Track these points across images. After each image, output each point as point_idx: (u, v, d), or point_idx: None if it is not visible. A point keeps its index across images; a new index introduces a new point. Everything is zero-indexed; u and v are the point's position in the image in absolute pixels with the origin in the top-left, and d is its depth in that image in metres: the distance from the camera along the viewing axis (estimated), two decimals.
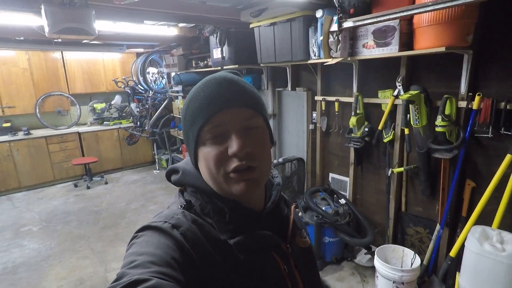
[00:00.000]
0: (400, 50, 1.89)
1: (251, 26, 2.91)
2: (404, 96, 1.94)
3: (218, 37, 3.27)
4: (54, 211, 3.88)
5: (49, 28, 1.69)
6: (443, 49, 1.65)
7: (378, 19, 1.84)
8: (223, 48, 3.30)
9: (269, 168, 0.59)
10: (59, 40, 4.01)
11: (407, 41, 1.90)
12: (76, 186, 4.74)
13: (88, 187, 4.66)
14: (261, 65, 3.08)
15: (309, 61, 2.53)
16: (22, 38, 3.91)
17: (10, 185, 4.47)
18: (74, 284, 2.48)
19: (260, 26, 2.81)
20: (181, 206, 0.56)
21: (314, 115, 2.98)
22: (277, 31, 2.68)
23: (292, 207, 0.67)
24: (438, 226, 2.09)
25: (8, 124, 4.57)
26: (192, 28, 3.76)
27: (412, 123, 2.03)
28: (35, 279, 2.57)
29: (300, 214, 2.55)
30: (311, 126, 3.03)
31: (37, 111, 4.75)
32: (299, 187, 3.14)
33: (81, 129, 5.04)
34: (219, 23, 3.16)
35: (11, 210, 3.99)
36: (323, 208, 2.51)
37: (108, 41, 4.34)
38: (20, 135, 4.53)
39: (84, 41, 4.30)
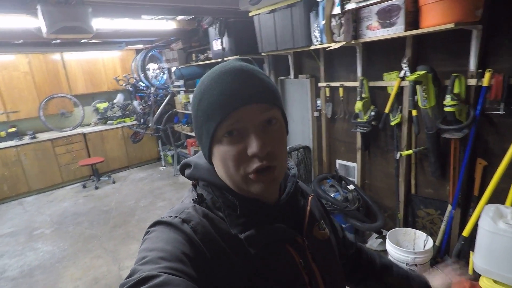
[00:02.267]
0: (406, 30, 1.84)
1: (250, 14, 2.85)
2: (411, 77, 1.90)
3: (217, 28, 3.22)
4: (65, 213, 3.93)
5: (47, 28, 1.66)
6: (451, 25, 1.60)
7: None
8: (223, 39, 3.25)
9: (286, 163, 0.58)
10: (58, 41, 4.00)
11: (413, 20, 1.84)
12: (84, 187, 4.78)
13: (97, 187, 4.70)
14: (263, 54, 3.04)
15: (312, 47, 2.48)
16: (21, 41, 3.90)
17: (20, 189, 4.53)
18: (90, 283, 2.52)
19: (260, 14, 2.76)
20: (193, 200, 0.56)
21: (319, 102, 2.95)
22: (277, 18, 2.62)
23: (310, 198, 0.64)
24: (449, 207, 2.07)
25: (14, 129, 4.59)
26: (191, 20, 3.71)
27: (420, 104, 1.99)
28: (51, 280, 2.61)
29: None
30: (316, 113, 3.00)
31: (41, 114, 4.76)
32: (306, 176, 3.13)
33: (86, 129, 5.06)
34: (217, 13, 3.11)
35: (23, 214, 4.05)
36: (332, 195, 2.50)
37: (107, 39, 4.31)
38: (26, 139, 4.56)
39: (82, 41, 4.27)
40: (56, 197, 4.53)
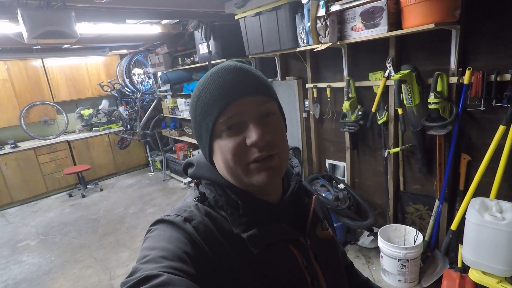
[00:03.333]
0: (389, 31, 1.88)
1: (236, 17, 2.86)
2: (396, 76, 1.95)
3: (203, 32, 3.21)
4: (50, 223, 3.81)
5: (28, 33, 1.61)
6: (432, 26, 1.65)
7: (365, 0, 1.83)
8: (209, 43, 3.24)
9: (288, 155, 0.58)
10: (38, 47, 3.88)
11: (395, 21, 1.89)
12: (70, 195, 4.65)
13: (83, 196, 4.58)
14: (250, 56, 3.05)
15: (298, 49, 2.51)
16: None
17: (2, 201, 4.36)
18: None
19: (246, 17, 2.76)
20: (195, 198, 0.56)
21: (307, 103, 2.98)
22: (263, 20, 2.64)
23: (313, 197, 0.64)
24: (437, 202, 2.13)
25: None
26: (176, 24, 3.68)
27: (405, 102, 2.04)
28: None
29: None
30: (304, 114, 3.03)
31: (22, 122, 4.61)
32: None
33: (70, 137, 4.93)
34: (203, 17, 3.09)
35: (5, 226, 3.90)
36: (323, 195, 2.53)
37: (90, 44, 4.22)
38: (7, 148, 4.40)
39: (64, 46, 4.16)
40: (40, 207, 4.39)
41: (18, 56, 4.27)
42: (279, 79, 3.13)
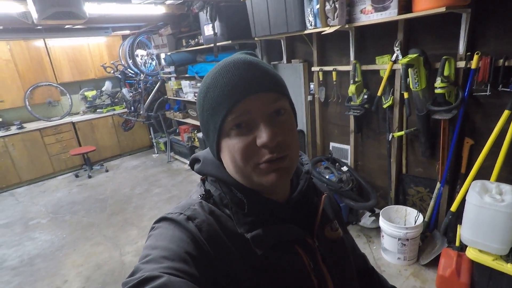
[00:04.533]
0: (399, 14, 1.87)
1: None
2: (403, 60, 1.95)
3: (208, 13, 3.16)
4: (59, 203, 3.91)
5: (38, 14, 1.61)
6: (443, 9, 1.65)
7: None
8: (215, 24, 3.20)
9: (298, 154, 0.55)
10: (40, 27, 3.84)
11: (405, 4, 1.88)
12: (77, 176, 4.74)
13: (90, 176, 4.67)
14: (256, 39, 3.02)
15: (306, 31, 2.49)
16: (0, 27, 3.72)
17: (11, 180, 4.45)
18: (93, 269, 2.57)
19: None
20: (200, 195, 0.55)
21: (312, 86, 2.99)
22: (270, 2, 2.60)
23: (323, 196, 0.61)
24: (438, 184, 2.19)
25: None
26: (180, 5, 3.62)
27: (411, 86, 2.06)
28: (53, 268, 2.64)
29: None
30: (309, 98, 3.04)
31: (27, 103, 4.62)
32: None
33: (75, 118, 4.96)
34: None
35: (16, 205, 4.01)
36: (327, 177, 2.59)
37: (93, 24, 4.16)
38: (13, 129, 4.44)
39: (66, 26, 4.11)
40: (48, 187, 4.49)
41: (21, 36, 4.23)
42: (285, 62, 3.12)
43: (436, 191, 2.22)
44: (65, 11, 1.62)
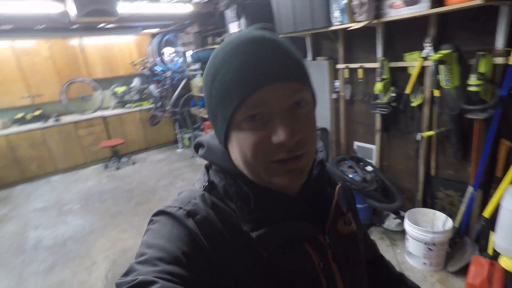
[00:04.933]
0: (432, 7, 1.79)
1: None
2: (435, 56, 1.87)
3: (235, 11, 3.20)
4: (90, 191, 4.14)
5: (77, 11, 1.72)
6: (480, 1, 1.55)
7: None
8: (240, 21, 3.24)
9: (315, 151, 0.51)
10: (76, 26, 4.07)
11: None
12: (106, 167, 4.99)
13: (118, 168, 4.89)
14: (280, 36, 3.01)
15: (331, 28, 2.45)
16: (43, 26, 3.99)
17: (47, 169, 4.78)
18: (119, 254, 2.70)
19: None
20: (203, 186, 0.51)
21: (337, 84, 2.93)
22: None
23: (337, 187, 0.55)
24: (470, 188, 2.08)
25: (39, 112, 4.80)
26: (207, 3, 3.70)
27: (443, 84, 1.97)
28: (84, 250, 2.81)
29: None
30: (334, 96, 2.99)
31: (63, 98, 4.93)
32: (324, 157, 3.16)
33: (105, 113, 5.21)
34: None
35: (51, 191, 4.29)
36: (350, 176, 2.54)
37: (124, 23, 4.35)
38: (51, 121, 4.76)
39: (99, 26, 4.33)
40: (80, 177, 4.76)
41: (59, 35, 4.52)
42: (310, 59, 3.09)
43: (468, 195, 2.10)
44: (101, 8, 1.71)
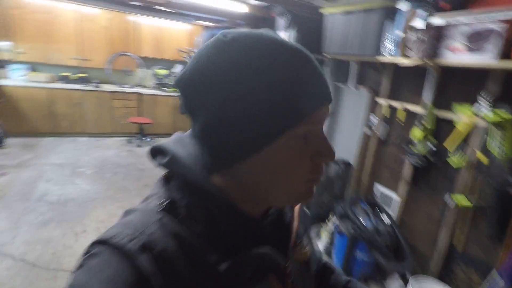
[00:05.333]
0: (498, 59, 1.55)
1: (322, 11, 2.69)
2: (493, 118, 1.62)
3: (287, 21, 3.13)
4: (106, 160, 4.25)
5: None
6: None
7: (478, 18, 1.53)
8: (290, 32, 3.14)
9: None
10: (136, 3, 4.23)
11: (507, 49, 1.55)
12: (129, 142, 5.12)
13: (139, 146, 5.00)
14: (324, 54, 2.87)
15: (380, 58, 2.26)
16: None
17: (76, 129, 5.01)
18: None
19: (333, 13, 2.58)
20: (160, 204, 0.41)
21: (373, 119, 2.71)
22: (349, 20, 2.43)
23: (296, 208, 0.54)
24: (495, 274, 1.77)
25: (84, 75, 5.06)
26: (262, 8, 3.65)
27: (494, 151, 1.70)
28: (79, 215, 2.85)
29: (335, 221, 2.38)
30: (367, 131, 2.77)
31: (108, 67, 5.16)
32: (341, 192, 2.94)
33: (142, 90, 5.37)
34: (290, 5, 3.00)
35: (73, 151, 4.48)
36: (361, 220, 2.31)
37: (178, 9, 4.45)
38: (91, 86, 4.99)
39: (155, 7, 4.47)
40: (103, 144, 4.93)
41: (120, 8, 4.76)
42: (352, 86, 2.90)
43: (492, 281, 1.79)
44: None
